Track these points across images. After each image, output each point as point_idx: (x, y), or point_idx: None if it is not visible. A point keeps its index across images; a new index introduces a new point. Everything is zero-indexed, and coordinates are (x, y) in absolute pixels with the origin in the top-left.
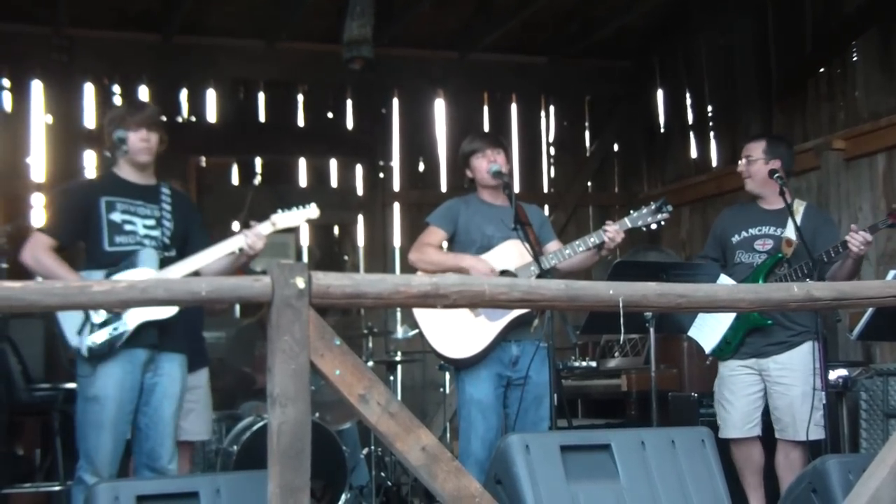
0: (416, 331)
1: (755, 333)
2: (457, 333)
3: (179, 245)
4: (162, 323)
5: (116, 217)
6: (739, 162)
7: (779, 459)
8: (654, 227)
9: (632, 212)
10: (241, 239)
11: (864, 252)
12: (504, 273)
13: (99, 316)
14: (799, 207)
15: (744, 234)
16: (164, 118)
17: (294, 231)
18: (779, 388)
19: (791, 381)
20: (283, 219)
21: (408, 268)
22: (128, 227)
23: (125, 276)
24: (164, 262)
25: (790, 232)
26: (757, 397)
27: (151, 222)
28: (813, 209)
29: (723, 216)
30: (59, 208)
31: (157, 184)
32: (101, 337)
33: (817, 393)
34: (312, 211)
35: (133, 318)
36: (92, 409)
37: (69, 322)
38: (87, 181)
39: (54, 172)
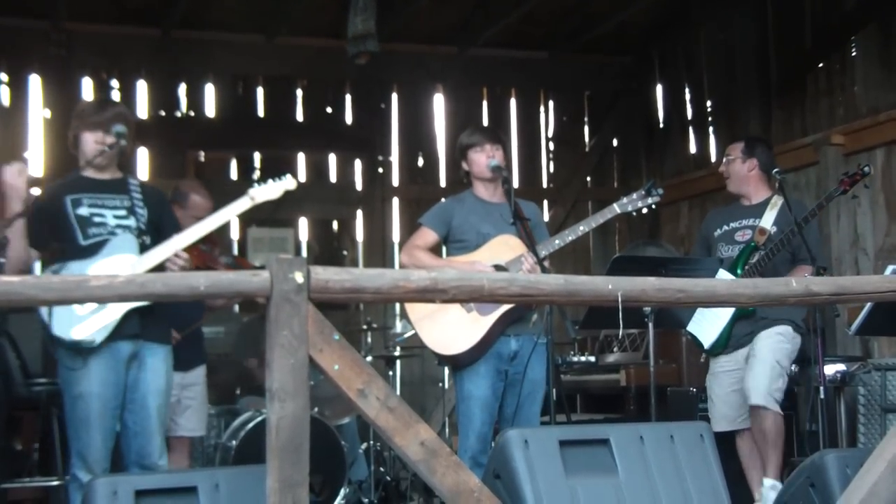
0: (413, 332)
1: (739, 323)
2: (450, 330)
3: (153, 233)
4: (144, 310)
5: (84, 211)
6: (723, 159)
7: (751, 425)
8: (644, 210)
9: (622, 197)
10: (228, 212)
11: None
12: (495, 267)
13: (84, 308)
14: (777, 201)
15: (724, 227)
16: (128, 118)
17: (293, 226)
18: (751, 362)
19: (758, 353)
20: (260, 192)
21: (401, 265)
22: (97, 220)
23: (106, 264)
24: (141, 249)
25: (765, 222)
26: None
27: (122, 212)
28: (795, 203)
29: (707, 217)
30: (28, 214)
31: (124, 176)
32: (87, 330)
33: (782, 368)
34: (289, 182)
35: (118, 308)
36: (78, 406)
37: (56, 315)
38: (51, 184)
39: (52, 167)
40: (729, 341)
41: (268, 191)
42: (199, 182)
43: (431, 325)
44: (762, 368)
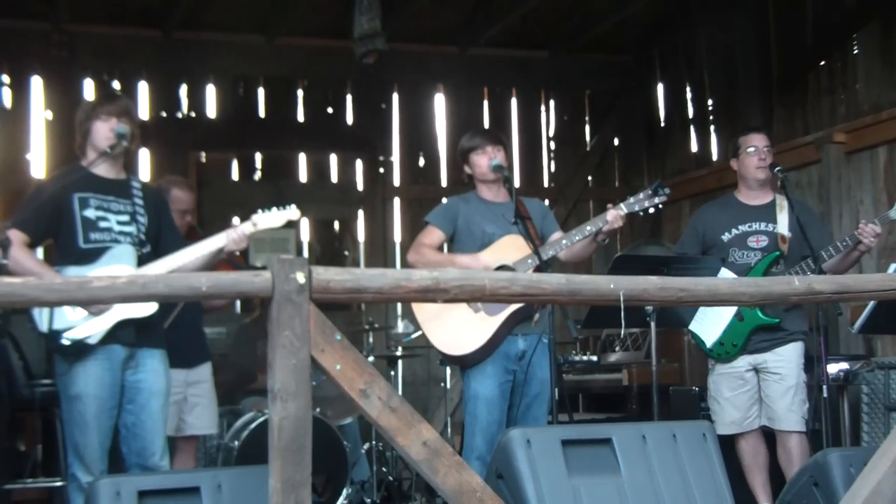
0: (420, 332)
1: (760, 332)
2: (457, 330)
3: (153, 241)
4: (140, 321)
5: (90, 213)
6: (764, 149)
7: (779, 452)
8: (651, 210)
9: (629, 197)
10: (223, 238)
11: (874, 244)
12: (502, 268)
13: (76, 313)
14: (783, 202)
15: (734, 231)
16: (133, 114)
17: (294, 226)
18: (775, 378)
19: (786, 372)
20: (263, 219)
21: (408, 263)
22: (102, 224)
23: (103, 273)
24: (140, 260)
25: (782, 228)
26: (753, 392)
27: (125, 218)
28: (797, 203)
29: (703, 214)
30: (32, 205)
31: (128, 178)
32: (78, 333)
33: (807, 386)
34: (293, 212)
35: (111, 316)
36: (74, 407)
37: (46, 316)
38: (58, 177)
39: (54, 168)
40: (745, 348)
41: (271, 218)
42: (181, 178)
43: (439, 325)
44: (794, 395)
